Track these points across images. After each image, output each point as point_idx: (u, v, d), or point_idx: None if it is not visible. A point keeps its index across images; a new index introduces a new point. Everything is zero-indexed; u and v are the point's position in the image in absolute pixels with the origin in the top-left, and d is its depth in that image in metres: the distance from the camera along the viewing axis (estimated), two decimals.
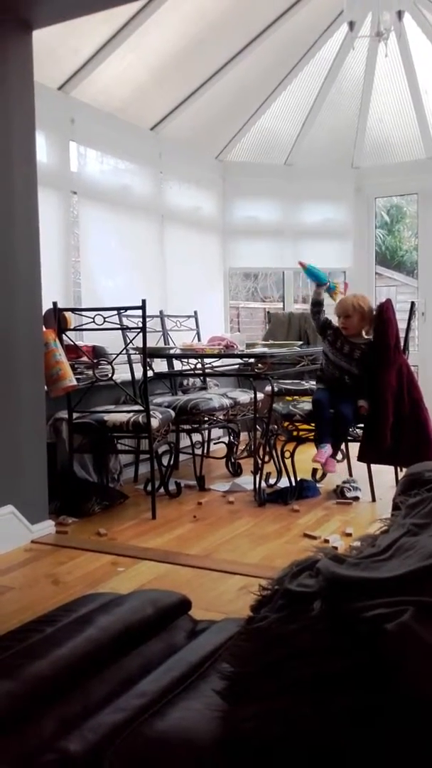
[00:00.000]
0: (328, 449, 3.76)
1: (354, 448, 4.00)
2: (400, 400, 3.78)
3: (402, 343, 3.95)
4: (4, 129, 3.16)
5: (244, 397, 4.59)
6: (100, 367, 3.83)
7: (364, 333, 3.82)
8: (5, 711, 1.05)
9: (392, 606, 0.81)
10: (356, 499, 3.93)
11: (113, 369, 3.78)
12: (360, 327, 3.80)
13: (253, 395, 4.32)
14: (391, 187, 6.61)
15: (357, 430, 3.86)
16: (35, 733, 1.04)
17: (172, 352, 4.52)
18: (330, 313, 3.94)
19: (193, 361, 4.61)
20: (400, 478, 3.47)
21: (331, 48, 5.50)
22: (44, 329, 3.51)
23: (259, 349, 4.26)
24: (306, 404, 4.05)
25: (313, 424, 3.89)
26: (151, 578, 2.78)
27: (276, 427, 4.07)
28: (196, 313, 5.35)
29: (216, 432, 4.98)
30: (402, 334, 3.99)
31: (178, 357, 4.52)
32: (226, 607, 2.43)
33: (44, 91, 3.96)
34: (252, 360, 4.08)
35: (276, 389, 4.04)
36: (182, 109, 5.14)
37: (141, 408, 3.69)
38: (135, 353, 4.15)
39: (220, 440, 4.93)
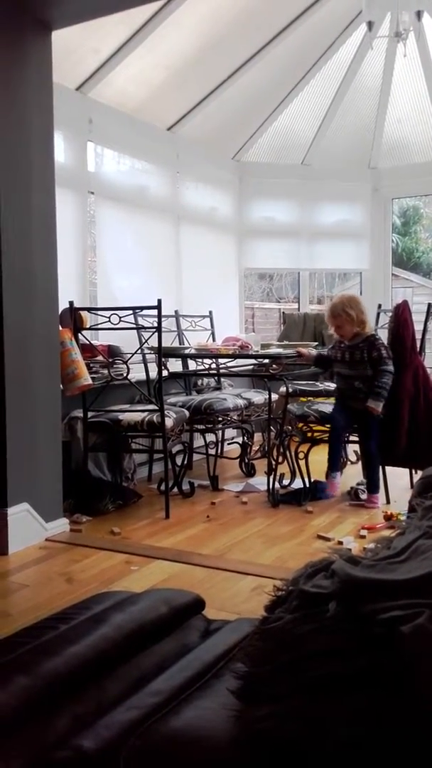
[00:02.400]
0: (338, 479, 3.79)
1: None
2: (416, 402, 3.76)
3: (419, 345, 3.94)
4: (23, 128, 3.18)
5: (258, 397, 4.59)
6: (115, 366, 3.84)
7: (360, 331, 3.80)
8: (20, 707, 1.05)
9: (408, 608, 0.81)
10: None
11: (128, 368, 3.79)
12: (353, 330, 3.78)
13: (267, 396, 4.32)
14: (409, 187, 6.58)
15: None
16: (50, 730, 1.04)
17: (187, 352, 4.53)
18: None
19: (207, 361, 4.62)
20: (415, 480, 3.45)
21: (350, 48, 5.48)
22: (60, 328, 3.52)
23: (273, 350, 4.25)
24: (321, 405, 4.04)
25: (327, 425, 3.88)
26: (164, 578, 2.78)
27: (290, 428, 4.06)
28: (211, 313, 5.35)
29: (230, 432, 4.98)
30: (419, 336, 3.97)
31: (193, 357, 4.52)
32: (239, 607, 2.43)
33: (62, 91, 3.98)
34: (266, 360, 4.08)
35: (290, 390, 4.03)
36: (199, 110, 5.14)
37: (155, 407, 3.69)
38: (150, 353, 4.17)
39: (234, 440, 4.93)
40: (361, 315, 3.77)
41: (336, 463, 3.82)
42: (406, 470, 4.06)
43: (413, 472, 4.01)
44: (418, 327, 3.99)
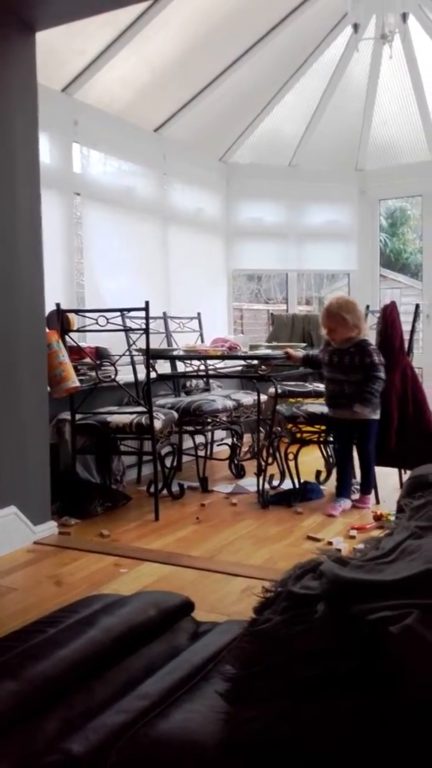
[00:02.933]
0: (345, 504, 3.75)
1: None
2: (404, 403, 3.77)
3: (406, 346, 3.95)
4: (7, 130, 3.17)
5: (247, 398, 4.59)
6: (103, 368, 3.83)
7: (352, 336, 3.69)
8: (9, 711, 1.04)
9: (396, 609, 0.81)
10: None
11: (116, 370, 3.78)
12: (346, 334, 3.68)
13: (256, 397, 4.32)
14: (396, 189, 6.61)
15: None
16: (38, 734, 1.04)
17: (175, 353, 4.52)
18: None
19: (196, 362, 4.61)
20: (404, 480, 3.46)
21: (336, 50, 5.50)
22: (47, 330, 3.51)
23: (262, 351, 4.25)
24: (310, 406, 4.05)
25: (316, 426, 3.89)
26: (153, 580, 2.77)
27: (279, 428, 4.06)
28: (199, 314, 5.35)
29: (219, 434, 4.98)
30: (406, 337, 3.98)
31: (182, 358, 4.52)
32: (228, 609, 2.43)
33: (48, 92, 3.96)
34: (255, 362, 4.08)
35: (279, 391, 4.03)
36: (186, 111, 5.14)
37: (144, 409, 3.69)
38: (138, 354, 4.16)
39: (223, 442, 4.93)
40: (356, 320, 3.68)
41: (345, 489, 3.80)
42: (396, 470, 4.07)
43: (402, 472, 4.02)
44: (406, 327, 4.00)
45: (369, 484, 3.83)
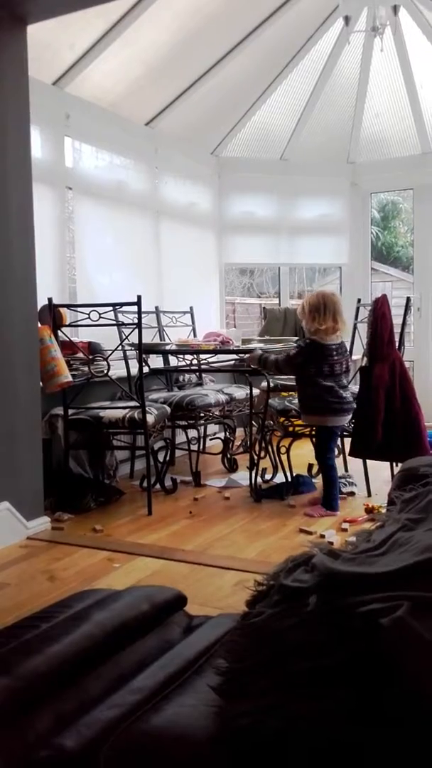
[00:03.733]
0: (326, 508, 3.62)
1: (347, 443, 4.00)
2: (392, 395, 3.77)
3: (397, 339, 3.95)
4: None
5: (239, 392, 4.59)
6: (95, 363, 3.82)
7: (311, 328, 3.58)
8: (1, 707, 1.05)
9: (387, 601, 0.82)
10: (352, 494, 3.93)
11: (109, 365, 3.77)
12: (310, 325, 3.57)
13: (248, 391, 4.32)
14: (387, 182, 6.61)
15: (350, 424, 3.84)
16: (31, 729, 1.04)
17: (167, 348, 4.51)
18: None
19: (188, 357, 4.61)
20: (395, 473, 3.47)
21: (327, 43, 5.48)
22: (39, 325, 3.50)
23: (254, 345, 4.25)
24: None
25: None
26: (146, 574, 2.78)
27: (272, 422, 4.06)
28: (191, 309, 5.34)
29: (212, 428, 4.98)
30: (397, 330, 3.98)
31: (174, 353, 4.51)
32: (221, 602, 2.43)
33: (39, 86, 3.94)
34: (247, 356, 4.08)
35: (272, 385, 4.03)
36: (177, 105, 5.12)
37: (137, 404, 3.68)
38: (131, 349, 4.15)
39: (216, 436, 4.92)
40: (313, 312, 3.53)
41: (337, 500, 3.60)
42: (387, 462, 4.08)
43: (393, 464, 4.03)
44: (397, 321, 4.00)
45: (327, 498, 3.59)
